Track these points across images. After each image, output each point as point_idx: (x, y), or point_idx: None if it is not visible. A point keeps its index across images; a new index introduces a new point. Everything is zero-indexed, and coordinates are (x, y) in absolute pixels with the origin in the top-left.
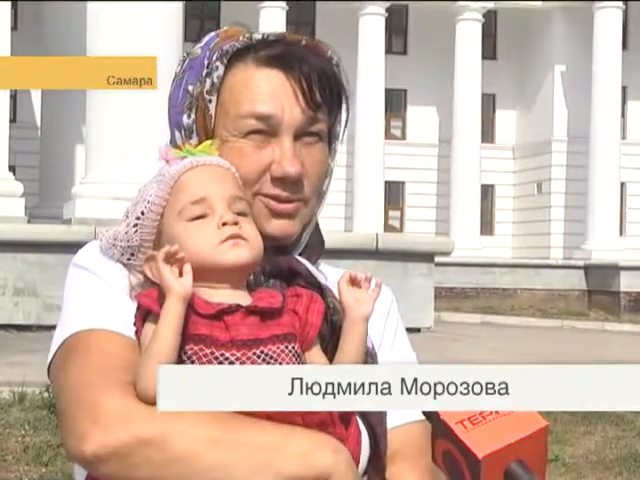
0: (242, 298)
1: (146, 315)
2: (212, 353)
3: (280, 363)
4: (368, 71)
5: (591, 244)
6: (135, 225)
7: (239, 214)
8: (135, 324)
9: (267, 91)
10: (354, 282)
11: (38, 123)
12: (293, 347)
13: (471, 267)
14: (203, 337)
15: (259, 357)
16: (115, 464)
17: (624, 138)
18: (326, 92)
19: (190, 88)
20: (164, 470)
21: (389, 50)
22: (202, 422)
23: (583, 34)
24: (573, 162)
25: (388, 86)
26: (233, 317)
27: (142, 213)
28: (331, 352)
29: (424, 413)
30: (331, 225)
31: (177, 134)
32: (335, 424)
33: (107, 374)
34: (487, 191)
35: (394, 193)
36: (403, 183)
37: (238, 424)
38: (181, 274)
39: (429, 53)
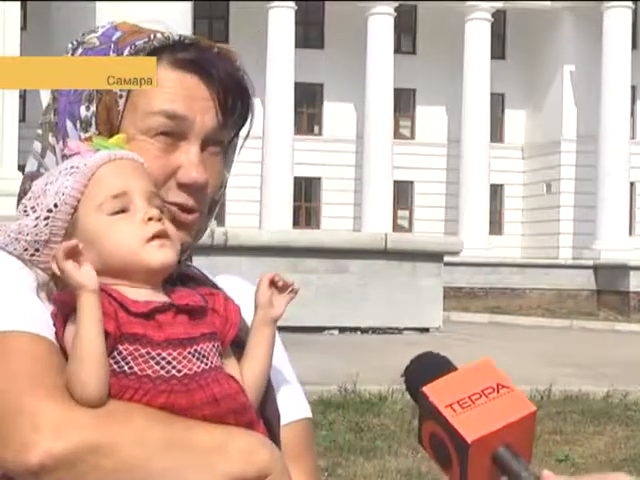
0: (161, 296)
1: (67, 316)
2: (148, 353)
3: (211, 361)
4: (377, 71)
5: (600, 244)
6: (46, 218)
7: (159, 210)
8: (55, 325)
9: (180, 92)
10: (274, 284)
11: None
12: (217, 346)
13: (480, 267)
14: (138, 337)
15: (194, 356)
16: (63, 473)
17: (633, 138)
18: (237, 102)
19: None
20: (114, 477)
21: (398, 50)
22: (149, 426)
23: (592, 34)
24: (582, 162)
25: (397, 86)
26: (165, 315)
27: (55, 205)
28: (237, 353)
29: (411, 395)
30: (340, 225)
31: (69, 124)
32: (257, 423)
33: (39, 378)
34: (496, 191)
35: (403, 193)
36: (412, 183)
37: (183, 427)
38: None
39: (438, 53)
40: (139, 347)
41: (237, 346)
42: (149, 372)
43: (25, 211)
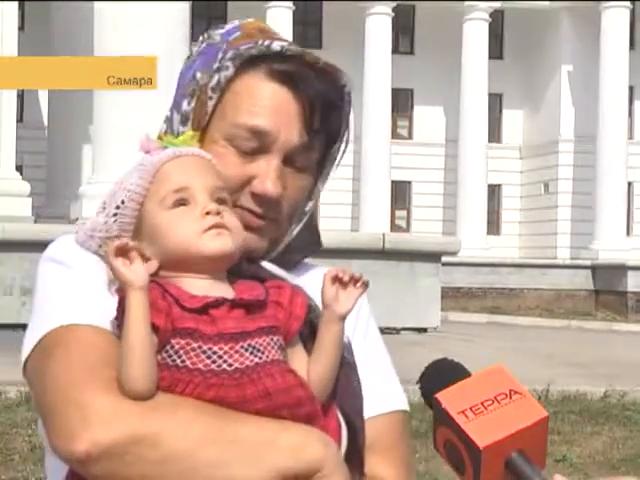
0: (223, 289)
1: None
2: (200, 347)
3: (267, 355)
4: (375, 71)
5: (598, 244)
6: (115, 215)
7: (221, 203)
8: (117, 318)
9: (269, 105)
10: (338, 279)
11: (45, 123)
12: (278, 339)
13: (478, 267)
14: (190, 331)
15: (247, 350)
16: (107, 463)
17: (631, 138)
18: (326, 119)
19: (198, 75)
20: (157, 468)
21: (396, 50)
22: (196, 418)
23: (590, 34)
24: (580, 162)
25: (395, 86)
26: (219, 310)
27: (122, 202)
28: (309, 351)
29: (426, 401)
30: (337, 225)
31: (175, 116)
32: (320, 417)
33: (93, 370)
34: (494, 191)
35: (401, 193)
36: (410, 183)
37: (231, 420)
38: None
39: (436, 53)
40: (191, 341)
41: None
42: (200, 366)
43: (104, 208)
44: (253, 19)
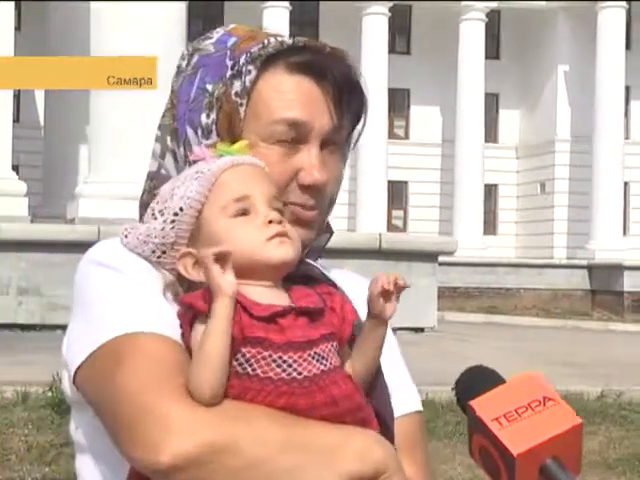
0: (282, 297)
1: (194, 317)
2: (270, 356)
3: (330, 362)
4: (371, 71)
5: (595, 244)
6: (173, 221)
7: (279, 213)
8: (182, 326)
9: (298, 97)
10: (384, 291)
11: (42, 122)
12: (336, 345)
13: (474, 267)
14: (260, 340)
15: (313, 358)
16: (193, 472)
17: (627, 138)
18: (351, 100)
19: (209, 87)
20: (239, 476)
21: (392, 50)
22: (270, 426)
23: (586, 34)
24: (576, 162)
25: (391, 86)
26: (286, 319)
27: (180, 209)
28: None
29: (461, 408)
30: (334, 225)
31: (189, 131)
32: (372, 421)
33: (167, 380)
34: (490, 191)
35: (397, 193)
36: (406, 183)
37: (302, 426)
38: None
39: (432, 53)
40: (261, 350)
41: (348, 341)
42: (271, 374)
43: (153, 215)
44: (236, 24)
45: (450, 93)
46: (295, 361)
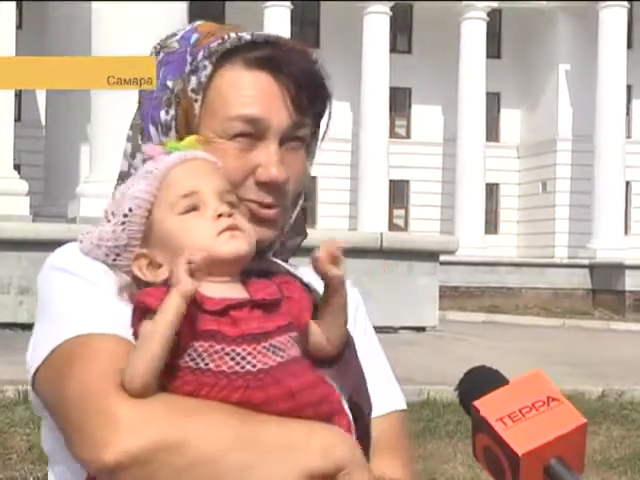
0: (238, 290)
1: (143, 315)
2: (223, 349)
3: (287, 353)
4: (373, 70)
5: (596, 243)
6: (123, 223)
7: (231, 206)
8: (132, 326)
9: (256, 94)
10: (333, 258)
11: (43, 122)
12: (295, 336)
13: (476, 266)
14: (212, 333)
15: (269, 350)
16: (137, 471)
17: (629, 137)
18: (312, 96)
19: (169, 83)
20: (186, 473)
21: (394, 49)
22: (223, 422)
23: (588, 33)
24: (578, 161)
25: (393, 85)
26: (240, 311)
27: (130, 210)
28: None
29: (465, 409)
30: (335, 224)
31: (152, 128)
32: (341, 412)
33: (116, 379)
34: (492, 190)
35: (399, 192)
36: (408, 182)
37: (258, 422)
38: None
39: (434, 52)
40: (214, 343)
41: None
42: (224, 368)
43: (107, 217)
44: (203, 21)
45: (451, 92)
46: (249, 353)
